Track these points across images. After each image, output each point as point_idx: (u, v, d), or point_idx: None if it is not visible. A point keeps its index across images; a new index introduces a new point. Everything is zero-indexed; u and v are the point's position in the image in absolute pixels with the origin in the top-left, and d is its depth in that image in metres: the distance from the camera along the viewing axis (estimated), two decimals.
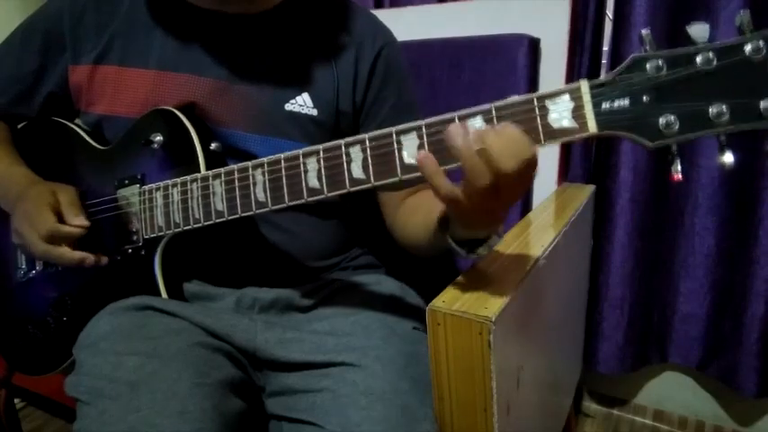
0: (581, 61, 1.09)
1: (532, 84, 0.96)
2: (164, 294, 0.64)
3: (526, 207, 0.98)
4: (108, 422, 0.49)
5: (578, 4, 1.01)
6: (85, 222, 0.64)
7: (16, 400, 1.14)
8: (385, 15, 0.77)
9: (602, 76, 0.43)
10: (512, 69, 0.95)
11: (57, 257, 0.63)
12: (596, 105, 0.43)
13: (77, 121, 0.76)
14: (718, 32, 0.95)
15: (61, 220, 0.63)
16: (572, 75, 1.01)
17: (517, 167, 0.42)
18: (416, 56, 1.00)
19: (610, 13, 1.07)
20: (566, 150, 1.04)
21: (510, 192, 0.45)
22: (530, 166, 0.43)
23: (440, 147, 0.47)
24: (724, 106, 0.40)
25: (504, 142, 0.42)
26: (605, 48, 1.09)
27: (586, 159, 1.15)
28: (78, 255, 0.64)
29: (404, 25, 0.84)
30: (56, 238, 0.62)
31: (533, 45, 0.95)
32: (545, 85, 0.97)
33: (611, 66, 1.06)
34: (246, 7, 0.68)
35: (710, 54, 0.40)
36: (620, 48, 1.03)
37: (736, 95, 0.40)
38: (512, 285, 0.54)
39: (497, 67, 0.96)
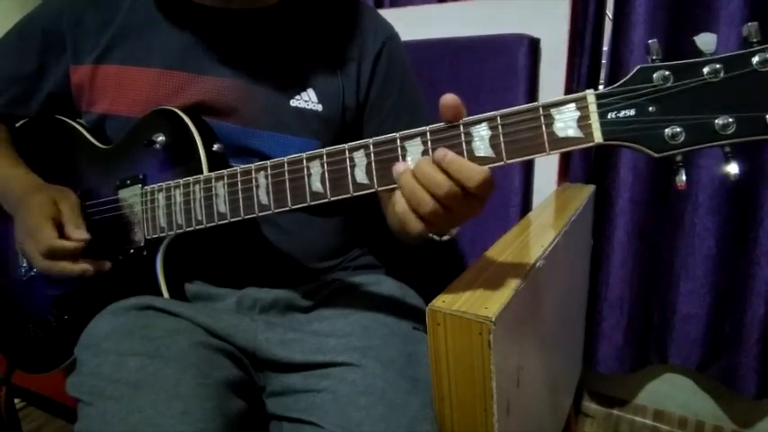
0: (581, 61, 1.09)
1: (532, 84, 0.96)
2: (165, 294, 0.64)
3: (526, 207, 0.98)
4: (109, 422, 0.49)
5: (578, 4, 1.01)
6: (85, 236, 0.63)
7: (16, 400, 1.14)
8: (385, 15, 0.77)
9: (609, 87, 0.43)
10: (512, 69, 0.95)
11: (58, 273, 0.63)
12: (602, 115, 0.43)
13: (79, 119, 0.76)
14: (718, 32, 0.95)
15: (62, 232, 0.63)
16: (572, 75, 1.01)
17: (456, 190, 0.46)
18: (416, 56, 0.99)
19: (610, 13, 1.07)
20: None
21: (463, 209, 0.47)
22: (480, 186, 0.45)
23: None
24: (730, 118, 0.40)
25: (452, 172, 0.45)
26: (605, 48, 1.09)
27: (586, 159, 1.16)
28: (78, 267, 0.63)
29: (404, 25, 0.84)
30: (55, 254, 0.62)
31: (533, 45, 0.95)
32: (545, 86, 0.97)
33: (611, 66, 1.06)
34: (249, 3, 0.68)
35: (717, 65, 0.40)
36: (620, 48, 1.03)
37: (743, 107, 0.40)
38: (512, 285, 0.54)
39: (497, 67, 0.96)
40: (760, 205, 0.99)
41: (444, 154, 0.46)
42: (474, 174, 0.45)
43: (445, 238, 0.58)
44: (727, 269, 1.06)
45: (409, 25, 1.02)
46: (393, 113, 0.72)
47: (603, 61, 1.11)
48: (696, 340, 1.12)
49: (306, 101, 0.68)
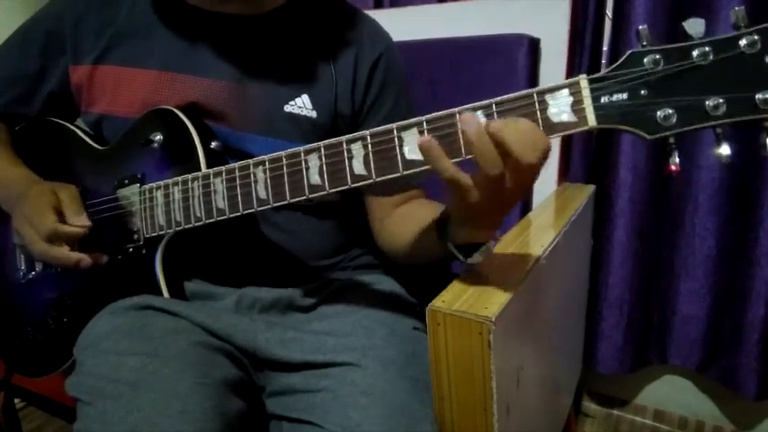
0: (581, 61, 1.09)
1: (532, 84, 0.96)
2: (165, 293, 0.64)
3: (526, 207, 0.98)
4: (109, 422, 0.49)
5: (578, 3, 1.01)
6: (87, 222, 0.63)
7: (16, 400, 1.13)
8: (385, 15, 0.77)
9: (601, 72, 0.44)
10: (512, 69, 0.95)
11: (54, 258, 0.62)
12: (595, 99, 0.44)
13: (77, 121, 0.76)
14: (719, 32, 0.95)
15: (63, 219, 0.63)
16: (572, 75, 1.01)
17: (532, 157, 0.43)
18: (416, 56, 1.00)
19: (609, 12, 1.07)
20: (566, 150, 1.05)
21: (519, 183, 0.45)
22: (544, 157, 0.44)
23: (440, 142, 0.47)
24: (720, 99, 0.40)
25: (520, 132, 0.43)
26: (605, 47, 1.09)
27: (586, 159, 1.15)
28: (75, 256, 0.62)
29: (404, 25, 0.84)
30: (56, 238, 0.62)
31: (533, 45, 0.95)
32: (545, 85, 0.97)
33: (610, 66, 1.06)
34: (247, 8, 0.68)
35: (707, 48, 0.41)
36: (620, 47, 1.03)
37: (732, 88, 0.40)
38: (512, 285, 0.54)
39: (497, 67, 0.96)
40: (760, 205, 0.98)
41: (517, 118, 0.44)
42: (539, 139, 0.43)
43: (470, 260, 0.55)
44: (728, 269, 1.06)
45: (409, 25, 1.02)
46: (386, 122, 0.72)
47: (603, 61, 1.11)
48: (696, 341, 1.12)
49: (300, 107, 0.68)
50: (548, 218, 0.82)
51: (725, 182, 1.02)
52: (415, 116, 0.75)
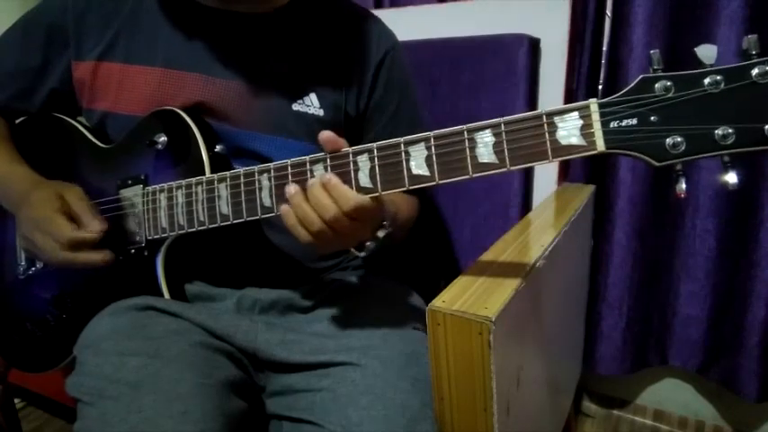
0: (581, 61, 1.09)
1: (532, 84, 0.96)
2: (166, 295, 0.64)
3: (526, 207, 0.98)
4: (109, 423, 0.49)
5: (578, 4, 1.01)
6: (104, 225, 0.62)
7: (16, 400, 1.14)
8: (385, 15, 0.77)
9: (612, 96, 0.44)
10: (512, 69, 0.95)
11: (82, 263, 0.61)
12: (605, 124, 0.44)
13: (80, 118, 0.75)
14: (718, 32, 0.95)
15: (75, 224, 0.62)
16: (572, 75, 1.01)
17: (339, 213, 0.50)
18: (416, 56, 1.00)
19: (609, 12, 1.07)
20: None
21: (347, 230, 0.51)
22: (356, 211, 0.50)
23: (447, 158, 0.47)
24: (730, 128, 0.41)
25: (327, 195, 0.50)
26: (605, 47, 1.09)
27: (586, 159, 1.15)
28: (100, 256, 0.62)
29: (404, 25, 0.84)
30: (78, 246, 0.61)
31: (533, 45, 0.96)
32: (545, 86, 0.97)
33: (609, 65, 1.06)
34: (254, 7, 0.68)
35: (718, 77, 0.41)
36: (620, 47, 1.03)
37: (742, 118, 0.40)
38: (512, 285, 0.54)
39: (497, 67, 0.96)
40: (761, 206, 0.98)
41: (329, 178, 0.50)
42: (349, 200, 0.49)
43: (362, 254, 0.58)
44: (728, 271, 1.06)
45: (409, 25, 1.02)
46: (390, 124, 0.73)
47: (603, 61, 1.11)
48: (696, 342, 1.11)
49: (308, 105, 0.68)
50: (548, 218, 0.82)
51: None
52: (419, 118, 0.76)
